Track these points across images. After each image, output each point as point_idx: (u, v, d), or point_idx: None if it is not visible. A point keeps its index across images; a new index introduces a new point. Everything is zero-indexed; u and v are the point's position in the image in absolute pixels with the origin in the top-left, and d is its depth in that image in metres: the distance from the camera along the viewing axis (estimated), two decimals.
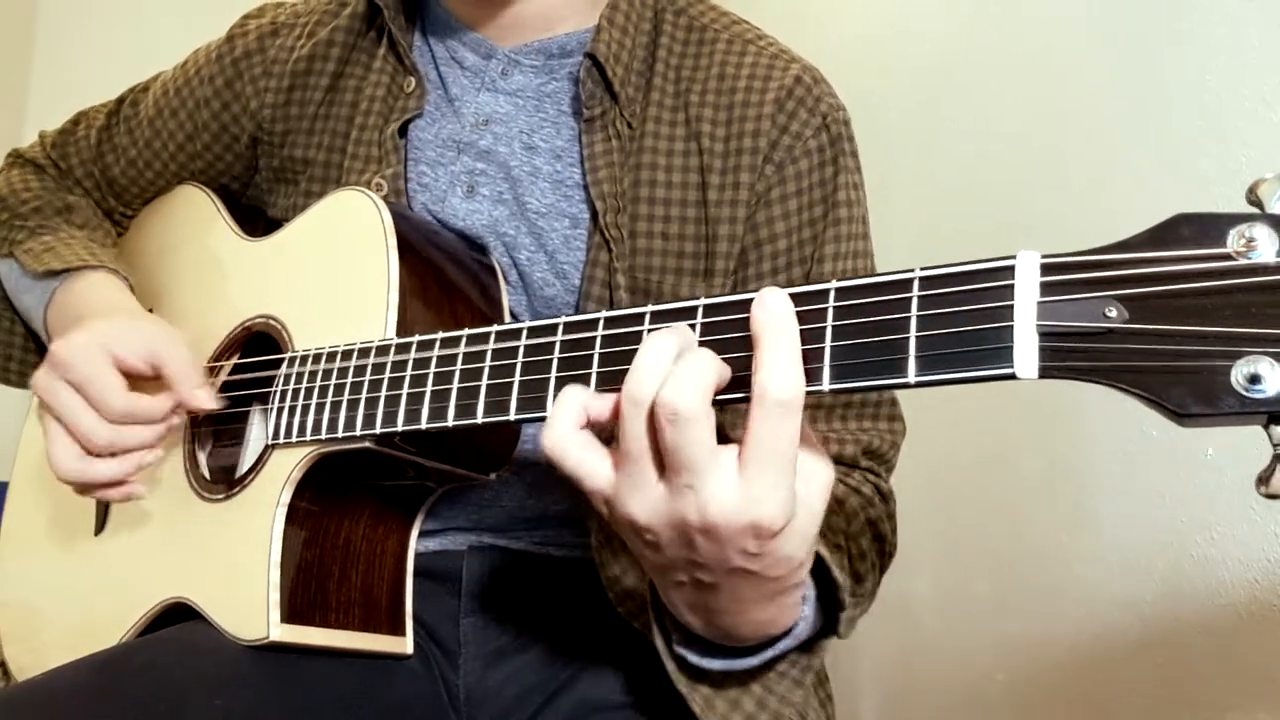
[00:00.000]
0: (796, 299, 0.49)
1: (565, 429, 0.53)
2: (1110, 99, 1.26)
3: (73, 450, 0.77)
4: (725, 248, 0.81)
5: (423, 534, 0.83)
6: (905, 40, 1.70)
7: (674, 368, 0.49)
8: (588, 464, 0.53)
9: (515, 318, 0.85)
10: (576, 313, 0.82)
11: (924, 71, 1.64)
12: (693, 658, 0.63)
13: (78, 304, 0.86)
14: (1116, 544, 1.20)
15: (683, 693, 0.65)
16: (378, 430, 0.68)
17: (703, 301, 0.52)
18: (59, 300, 0.88)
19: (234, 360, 0.85)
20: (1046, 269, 0.43)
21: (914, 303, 0.45)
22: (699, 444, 0.49)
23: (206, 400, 0.79)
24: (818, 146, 0.83)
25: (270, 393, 0.77)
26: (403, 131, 0.88)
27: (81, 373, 0.76)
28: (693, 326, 0.52)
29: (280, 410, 0.75)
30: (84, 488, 0.79)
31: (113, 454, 0.77)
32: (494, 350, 0.62)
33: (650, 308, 0.54)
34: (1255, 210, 0.38)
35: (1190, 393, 0.38)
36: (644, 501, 0.52)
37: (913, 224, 1.53)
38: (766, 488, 0.49)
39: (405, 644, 0.79)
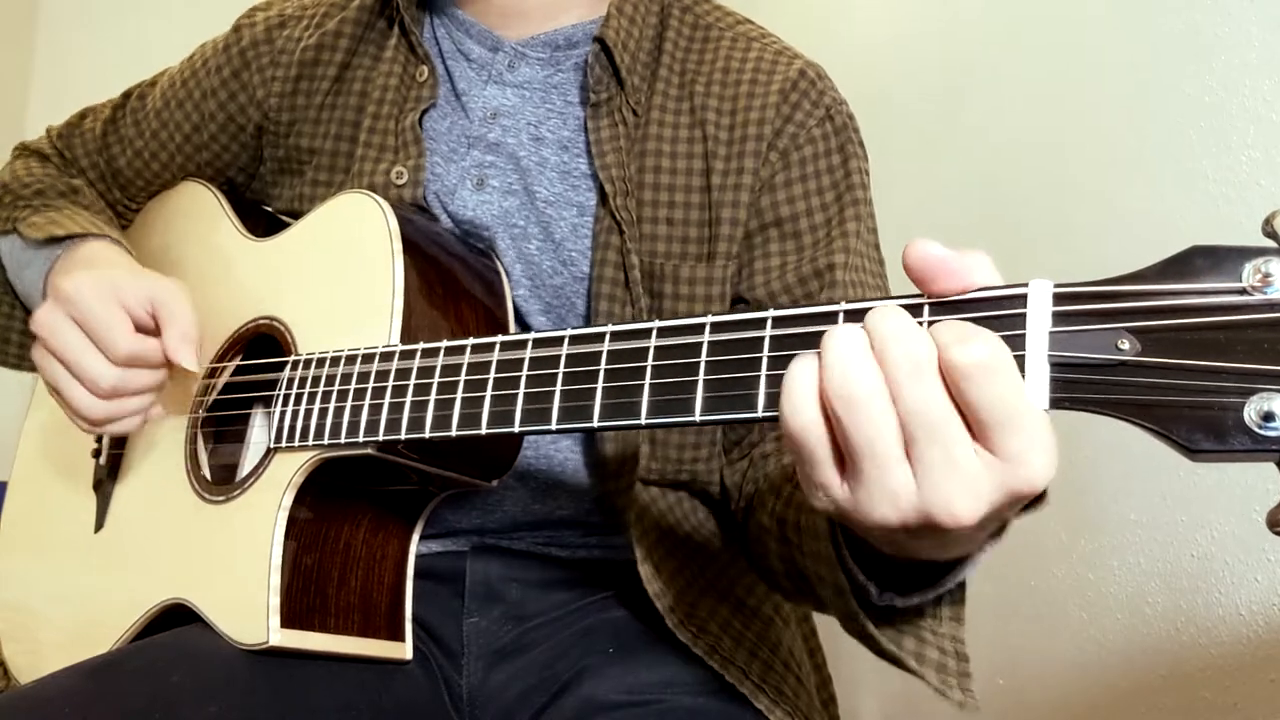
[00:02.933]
0: (805, 319, 0.48)
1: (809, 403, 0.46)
2: (1111, 98, 1.25)
3: (103, 366, 0.75)
4: (728, 231, 0.82)
5: (425, 536, 0.83)
6: (908, 43, 1.69)
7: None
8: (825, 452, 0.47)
9: (521, 314, 0.85)
10: (588, 298, 0.83)
11: (925, 72, 1.63)
12: (898, 601, 0.59)
13: (79, 267, 0.84)
14: (1117, 545, 1.20)
15: (897, 653, 0.60)
16: (380, 437, 0.68)
17: (710, 319, 0.52)
18: (60, 267, 0.87)
19: (237, 361, 0.85)
20: (1059, 298, 0.42)
21: (923, 328, 0.45)
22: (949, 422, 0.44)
23: (189, 359, 0.77)
24: (822, 135, 0.84)
25: (273, 395, 0.77)
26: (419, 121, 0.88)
27: (89, 309, 0.75)
28: (700, 345, 0.52)
29: (283, 413, 0.75)
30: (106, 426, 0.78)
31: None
32: (499, 361, 0.62)
33: (657, 323, 0.54)
34: (1271, 243, 0.38)
35: (1201, 429, 0.38)
36: (892, 507, 0.46)
37: (914, 224, 1.53)
38: (1016, 450, 0.44)
39: (404, 649, 0.79)
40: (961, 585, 0.60)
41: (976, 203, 1.48)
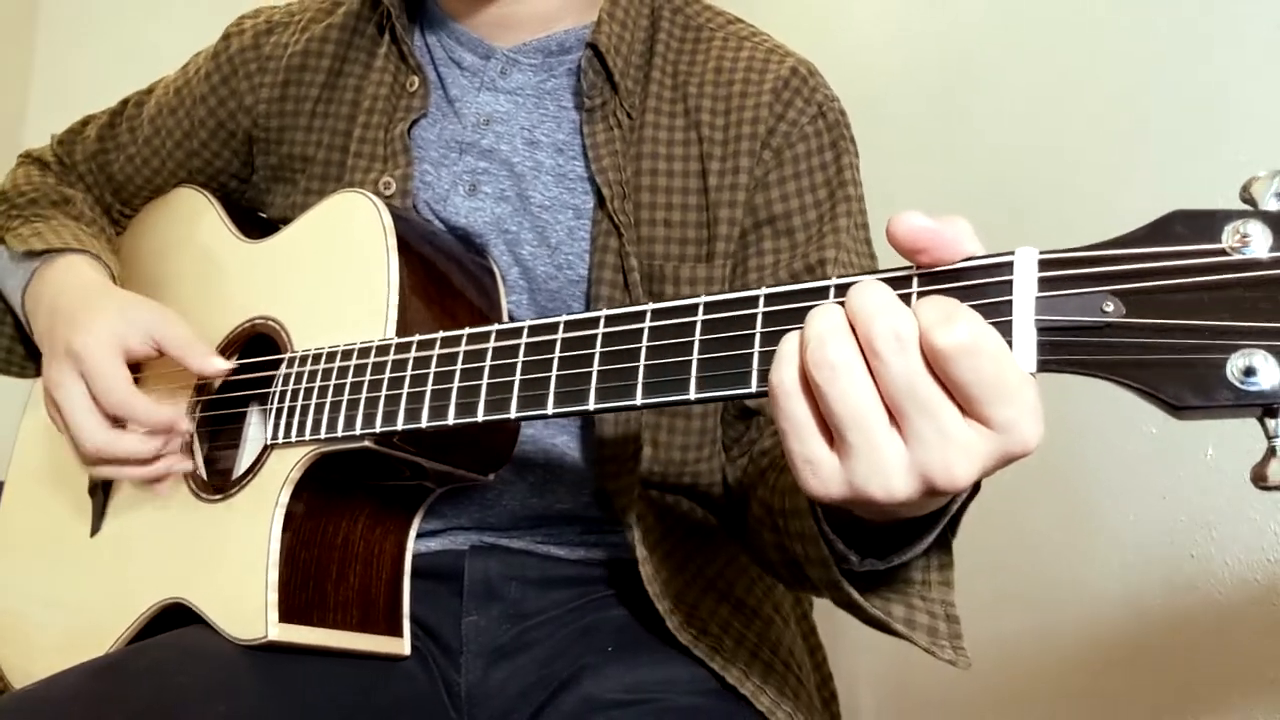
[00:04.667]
0: (798, 295, 0.49)
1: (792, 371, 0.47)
2: (1111, 99, 1.26)
3: (93, 426, 0.78)
4: (725, 230, 0.83)
5: (424, 534, 0.83)
6: (906, 44, 1.70)
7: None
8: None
9: (514, 318, 0.85)
10: (587, 301, 0.83)
11: (923, 73, 1.64)
12: (880, 565, 0.60)
13: (53, 284, 0.87)
14: (1116, 544, 1.20)
15: (880, 613, 0.61)
16: (378, 429, 0.69)
17: (703, 299, 0.52)
18: (36, 281, 0.89)
19: (233, 361, 0.85)
20: (1045, 264, 0.43)
21: (913, 299, 0.46)
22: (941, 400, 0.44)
23: (219, 364, 0.80)
24: (814, 132, 0.85)
25: (269, 393, 0.77)
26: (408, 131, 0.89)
27: (90, 365, 0.78)
28: (693, 325, 0.52)
29: (280, 410, 0.75)
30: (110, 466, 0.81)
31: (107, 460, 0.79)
32: (495, 349, 0.62)
33: (650, 306, 0.55)
34: (1249, 207, 0.39)
35: (1186, 385, 0.39)
36: (885, 476, 0.46)
37: None
38: (1006, 419, 0.44)
39: (402, 645, 0.79)
40: (947, 550, 0.61)
41: (974, 203, 1.49)
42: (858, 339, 0.45)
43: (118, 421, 0.79)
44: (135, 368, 0.82)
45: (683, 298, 0.82)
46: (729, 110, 0.85)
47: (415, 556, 0.82)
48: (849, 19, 1.85)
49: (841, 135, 0.87)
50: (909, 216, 0.46)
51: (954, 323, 0.43)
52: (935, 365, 0.44)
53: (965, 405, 0.44)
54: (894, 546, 0.58)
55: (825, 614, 0.94)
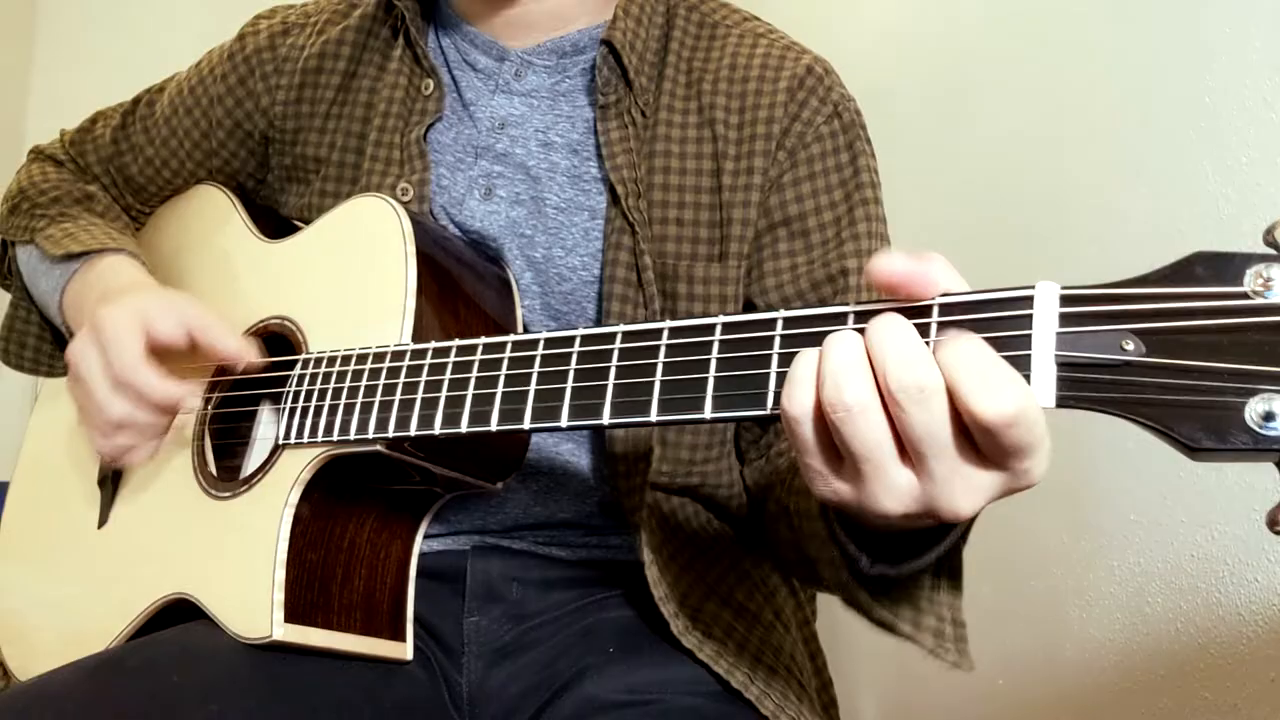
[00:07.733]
0: (817, 320, 0.49)
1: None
2: (1112, 98, 1.26)
3: (109, 393, 0.78)
4: (739, 231, 0.83)
5: (427, 535, 0.83)
6: (909, 44, 1.70)
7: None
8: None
9: (528, 324, 0.85)
10: (600, 300, 0.83)
11: (926, 73, 1.64)
12: (890, 570, 0.61)
13: (97, 284, 0.87)
14: (1117, 545, 1.20)
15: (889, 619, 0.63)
16: (390, 434, 0.69)
17: (721, 320, 0.52)
18: (77, 282, 0.88)
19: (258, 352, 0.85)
20: (1066, 300, 0.43)
21: (932, 329, 0.46)
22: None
23: (251, 354, 0.80)
24: (830, 133, 0.85)
25: (283, 393, 0.77)
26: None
27: (108, 335, 0.77)
28: (711, 344, 0.52)
29: (293, 410, 0.75)
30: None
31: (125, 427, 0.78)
32: (510, 359, 0.62)
33: (668, 324, 0.55)
34: (1272, 251, 0.39)
35: (1203, 427, 0.39)
36: (895, 501, 0.47)
37: (917, 224, 1.53)
38: (1024, 468, 0.45)
39: (405, 650, 0.79)
40: (958, 557, 0.61)
41: (978, 202, 1.49)
42: (875, 376, 0.45)
43: (127, 391, 0.78)
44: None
45: (696, 298, 0.84)
46: (743, 108, 0.85)
47: (418, 557, 0.82)
48: (855, 19, 1.84)
49: (858, 136, 0.86)
50: (888, 259, 0.47)
51: (1000, 391, 0.42)
52: (972, 429, 0.44)
53: (992, 460, 0.45)
54: (906, 552, 0.59)
55: (826, 621, 0.94)
